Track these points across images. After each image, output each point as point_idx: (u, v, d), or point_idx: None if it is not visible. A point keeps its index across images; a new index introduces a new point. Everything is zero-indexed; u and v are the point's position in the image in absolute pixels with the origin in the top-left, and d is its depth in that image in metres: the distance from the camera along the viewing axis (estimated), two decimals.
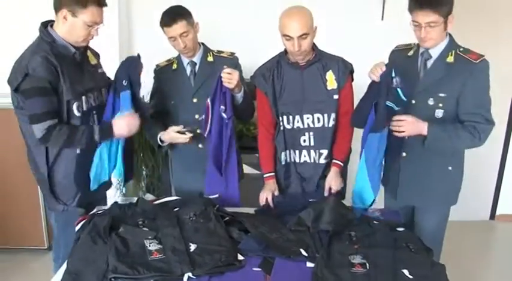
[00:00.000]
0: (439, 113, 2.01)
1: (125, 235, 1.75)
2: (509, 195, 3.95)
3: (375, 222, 1.97)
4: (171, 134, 2.26)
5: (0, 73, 2.01)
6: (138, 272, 1.56)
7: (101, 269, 1.59)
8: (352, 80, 2.27)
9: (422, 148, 2.03)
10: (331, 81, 2.18)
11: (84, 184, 2.08)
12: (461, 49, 2.00)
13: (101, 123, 2.04)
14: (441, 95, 1.99)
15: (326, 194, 2.22)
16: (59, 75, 1.89)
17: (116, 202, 2.08)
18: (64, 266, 1.66)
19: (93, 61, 2.15)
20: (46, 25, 1.98)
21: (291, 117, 2.22)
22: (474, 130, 1.97)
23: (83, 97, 2.01)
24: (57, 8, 1.92)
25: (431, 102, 2.01)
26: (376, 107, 2.03)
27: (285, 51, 2.19)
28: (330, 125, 2.22)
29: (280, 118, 2.24)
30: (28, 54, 1.90)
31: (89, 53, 2.13)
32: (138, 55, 2.18)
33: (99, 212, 2.00)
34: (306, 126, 2.22)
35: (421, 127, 1.97)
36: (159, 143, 2.33)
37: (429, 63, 2.04)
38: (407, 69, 2.07)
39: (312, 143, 2.24)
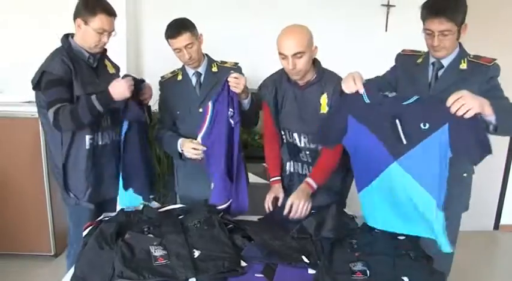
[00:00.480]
0: None
1: (130, 241, 1.79)
2: None
3: (376, 231, 2.01)
4: (186, 147, 2.28)
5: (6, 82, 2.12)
6: (144, 276, 1.60)
7: (107, 274, 1.63)
8: None
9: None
10: (324, 105, 2.13)
11: (94, 180, 2.27)
12: (471, 56, 1.99)
13: (96, 93, 2.13)
14: None
15: (285, 213, 2.09)
16: (72, 73, 2.11)
17: (122, 209, 2.13)
18: (72, 271, 1.70)
19: (112, 70, 2.36)
20: (68, 36, 2.23)
21: (290, 133, 2.25)
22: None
23: None
24: (74, 19, 2.17)
25: None
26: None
27: None
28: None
29: (282, 132, 2.27)
30: (47, 58, 2.16)
31: (107, 62, 2.35)
32: (142, 80, 2.29)
33: (105, 218, 2.05)
34: (302, 144, 2.22)
35: (482, 100, 1.68)
36: (180, 151, 2.35)
37: (440, 72, 2.02)
38: (417, 77, 2.07)
39: (310, 160, 2.23)
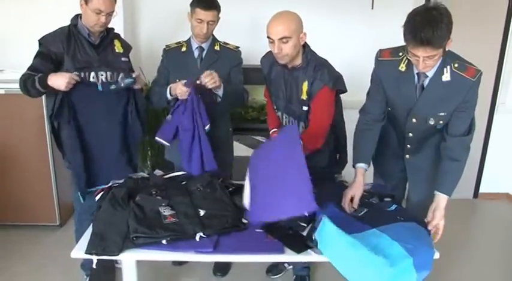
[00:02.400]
0: (438, 126, 2.05)
1: (141, 203, 1.97)
2: (491, 174, 4.16)
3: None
4: (179, 88, 2.31)
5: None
6: (156, 232, 1.78)
7: (123, 231, 1.81)
8: (342, 92, 2.28)
9: (424, 150, 2.17)
10: (304, 92, 2.19)
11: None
12: (456, 65, 1.91)
13: (42, 75, 2.25)
14: (441, 114, 1.99)
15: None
16: (64, 49, 2.30)
17: (129, 176, 2.31)
18: (90, 230, 1.88)
19: (119, 50, 2.49)
20: (78, 16, 2.38)
21: (278, 110, 2.42)
22: (461, 152, 2.03)
23: (91, 73, 2.35)
24: None
25: (431, 121, 2.02)
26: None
27: None
28: (300, 131, 2.26)
29: (274, 106, 2.43)
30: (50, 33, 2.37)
31: (117, 42, 2.50)
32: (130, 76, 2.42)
33: (115, 184, 2.21)
34: (285, 124, 2.40)
35: (443, 202, 2.02)
36: (168, 97, 2.43)
37: (425, 82, 1.97)
38: (403, 88, 2.02)
39: None
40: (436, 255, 1.80)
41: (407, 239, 1.82)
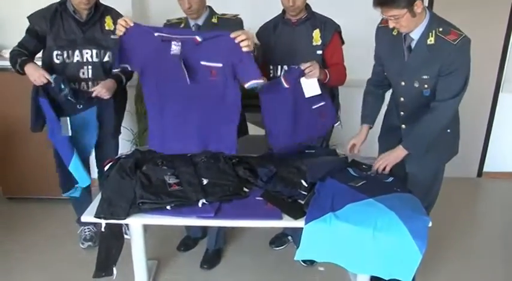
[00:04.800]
0: (426, 92, 2.10)
1: (147, 172, 2.07)
2: (496, 153, 4.15)
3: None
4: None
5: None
6: (161, 198, 1.89)
7: (130, 197, 1.92)
8: (343, 43, 2.51)
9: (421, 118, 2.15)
10: (317, 38, 2.42)
11: None
12: (441, 29, 1.98)
13: (25, 59, 2.36)
14: (424, 77, 2.06)
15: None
16: (47, 27, 2.39)
17: (137, 149, 2.41)
18: (98, 197, 1.99)
19: (109, 27, 2.48)
20: None
21: (279, 67, 2.49)
22: (438, 113, 2.07)
23: (76, 51, 2.43)
24: None
25: (416, 84, 2.10)
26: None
27: (283, 12, 2.46)
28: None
29: (271, 67, 2.50)
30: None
31: (108, 19, 2.48)
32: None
33: (123, 156, 2.31)
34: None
35: (399, 152, 2.16)
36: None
37: (413, 44, 2.06)
38: (394, 51, 2.16)
39: None
40: (430, 223, 1.87)
41: (403, 208, 1.90)
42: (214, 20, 2.44)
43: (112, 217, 1.84)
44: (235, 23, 2.43)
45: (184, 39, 2.10)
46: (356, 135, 2.41)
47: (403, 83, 2.17)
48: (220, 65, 2.13)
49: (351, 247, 1.84)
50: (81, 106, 2.44)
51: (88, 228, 2.89)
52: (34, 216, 3.27)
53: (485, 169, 4.24)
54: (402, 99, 2.23)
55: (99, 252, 2.04)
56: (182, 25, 2.47)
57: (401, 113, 2.28)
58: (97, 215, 1.84)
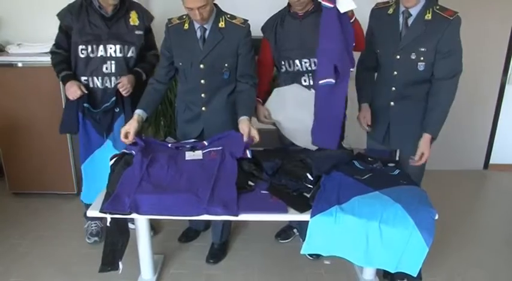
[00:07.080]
0: (420, 66, 2.24)
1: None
2: (502, 145, 4.14)
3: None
4: None
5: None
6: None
7: None
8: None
9: (410, 97, 2.31)
10: None
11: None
12: (437, 7, 2.20)
13: (67, 76, 2.50)
14: (421, 49, 2.22)
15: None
16: (73, 22, 2.43)
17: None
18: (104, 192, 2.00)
19: (134, 22, 2.51)
20: None
21: (291, 61, 2.45)
22: (448, 92, 2.25)
23: (100, 46, 2.45)
24: None
25: (413, 56, 2.24)
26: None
27: (288, 5, 2.43)
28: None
29: (282, 62, 2.47)
30: None
31: (133, 14, 2.52)
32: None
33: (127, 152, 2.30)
34: (304, 69, 2.43)
35: (427, 140, 2.29)
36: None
37: (410, 21, 2.24)
38: (389, 27, 2.30)
39: (311, 83, 2.44)
40: (436, 216, 1.86)
41: (409, 201, 1.89)
42: (221, 24, 2.32)
43: (117, 211, 1.84)
44: (243, 31, 2.34)
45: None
46: (362, 113, 2.51)
47: (398, 57, 2.28)
48: (220, 148, 2.26)
49: (357, 240, 1.84)
50: (118, 109, 2.54)
51: (95, 223, 2.90)
52: (40, 211, 3.29)
53: (492, 161, 4.23)
54: (396, 72, 2.31)
55: (104, 246, 2.05)
56: (186, 26, 2.34)
57: (393, 88, 2.34)
58: (102, 210, 1.84)
